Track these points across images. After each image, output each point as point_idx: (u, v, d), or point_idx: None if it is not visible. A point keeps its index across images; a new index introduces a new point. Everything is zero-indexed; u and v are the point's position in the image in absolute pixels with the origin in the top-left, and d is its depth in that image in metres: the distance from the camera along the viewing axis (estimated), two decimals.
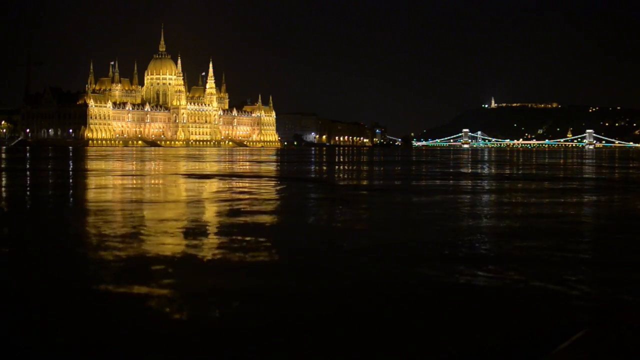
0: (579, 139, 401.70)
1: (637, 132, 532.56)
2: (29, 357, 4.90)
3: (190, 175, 31.03)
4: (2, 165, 44.49)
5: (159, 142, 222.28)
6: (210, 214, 14.12)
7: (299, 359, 4.91)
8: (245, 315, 5.88)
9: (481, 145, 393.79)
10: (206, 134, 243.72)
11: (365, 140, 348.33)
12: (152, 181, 27.92)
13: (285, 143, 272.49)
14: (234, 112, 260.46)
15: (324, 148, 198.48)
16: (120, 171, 36.75)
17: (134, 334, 5.34)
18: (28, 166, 44.89)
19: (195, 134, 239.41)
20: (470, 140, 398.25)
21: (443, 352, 5.01)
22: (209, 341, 5.19)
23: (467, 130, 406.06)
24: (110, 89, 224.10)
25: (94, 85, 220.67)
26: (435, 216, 13.60)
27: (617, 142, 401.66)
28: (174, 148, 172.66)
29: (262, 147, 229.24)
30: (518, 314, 5.99)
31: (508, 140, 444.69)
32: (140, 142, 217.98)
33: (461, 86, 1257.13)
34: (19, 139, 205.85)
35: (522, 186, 24.88)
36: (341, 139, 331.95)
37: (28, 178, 30.69)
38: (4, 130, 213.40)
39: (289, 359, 4.90)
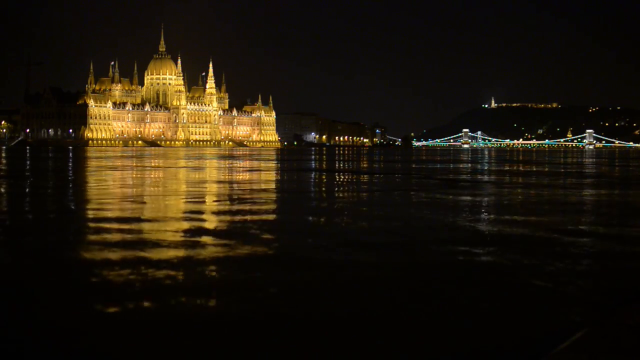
0: (579, 139, 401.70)
1: (637, 132, 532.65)
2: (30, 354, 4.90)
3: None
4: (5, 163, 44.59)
5: (159, 142, 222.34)
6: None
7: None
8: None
9: (481, 145, 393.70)
10: (206, 134, 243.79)
11: (365, 140, 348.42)
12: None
13: (285, 143, 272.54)
14: (234, 112, 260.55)
15: (325, 148, 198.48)
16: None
17: (131, 327, 5.33)
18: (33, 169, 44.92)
19: (195, 134, 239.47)
20: (470, 140, 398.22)
21: (442, 352, 5.00)
22: (209, 334, 5.18)
23: (467, 130, 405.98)
24: (110, 89, 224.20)
25: (94, 85, 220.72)
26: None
27: (617, 142, 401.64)
28: (174, 148, 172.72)
29: (262, 147, 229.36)
30: (518, 313, 5.98)
31: (508, 140, 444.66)
32: (140, 142, 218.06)
33: (461, 86, 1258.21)
34: (19, 139, 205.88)
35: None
36: (341, 139, 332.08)
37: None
38: (4, 130, 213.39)
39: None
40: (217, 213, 14.33)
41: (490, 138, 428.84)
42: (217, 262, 8.14)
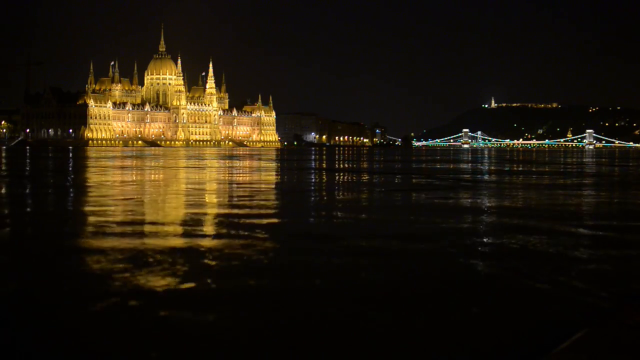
0: (579, 139, 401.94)
1: (637, 132, 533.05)
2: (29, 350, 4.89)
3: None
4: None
5: (159, 142, 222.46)
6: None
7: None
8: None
9: (481, 145, 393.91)
10: (206, 134, 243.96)
11: (365, 140, 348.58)
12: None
13: (285, 143, 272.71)
14: (234, 112, 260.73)
15: (325, 148, 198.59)
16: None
17: (127, 331, 5.32)
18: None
19: (195, 134, 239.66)
20: (470, 140, 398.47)
21: (441, 351, 4.99)
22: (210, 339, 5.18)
23: (467, 130, 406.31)
24: (110, 89, 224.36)
25: (94, 85, 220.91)
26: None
27: (617, 142, 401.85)
28: (174, 148, 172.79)
29: (262, 147, 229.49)
30: (518, 313, 5.97)
31: (508, 140, 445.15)
32: (140, 142, 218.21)
33: (461, 86, 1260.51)
34: (19, 139, 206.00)
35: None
36: (341, 139, 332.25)
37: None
38: (4, 130, 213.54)
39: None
40: (229, 211, 14.32)
41: (490, 138, 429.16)
42: (224, 261, 8.14)
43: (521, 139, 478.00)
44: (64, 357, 4.94)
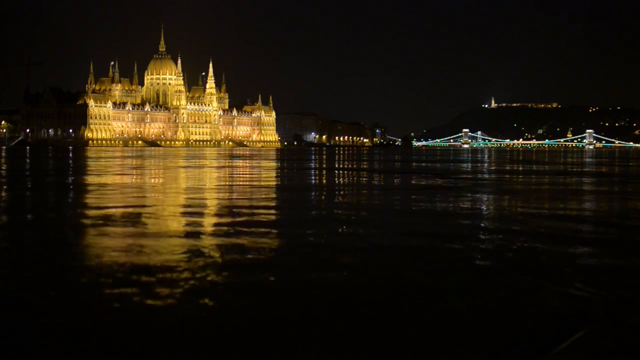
0: (579, 139, 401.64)
1: (637, 132, 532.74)
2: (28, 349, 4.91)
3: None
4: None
5: (159, 142, 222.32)
6: None
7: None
8: None
9: (481, 145, 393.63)
10: (206, 134, 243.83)
11: (365, 140, 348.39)
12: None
13: (285, 143, 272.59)
14: (234, 112, 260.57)
15: (325, 148, 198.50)
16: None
17: (132, 327, 5.34)
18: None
19: (195, 134, 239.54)
20: (470, 140, 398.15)
21: (441, 351, 5.01)
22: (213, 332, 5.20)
23: (467, 130, 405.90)
24: (110, 89, 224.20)
25: (94, 85, 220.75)
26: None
27: (617, 142, 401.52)
28: (174, 148, 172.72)
29: (262, 147, 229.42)
30: (518, 314, 5.99)
31: (508, 140, 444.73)
32: (140, 142, 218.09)
33: (461, 86, 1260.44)
34: (19, 139, 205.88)
35: None
36: (341, 139, 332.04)
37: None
38: (4, 130, 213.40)
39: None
40: (241, 210, 14.34)
41: (490, 138, 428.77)
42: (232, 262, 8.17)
43: (521, 139, 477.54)
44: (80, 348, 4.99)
